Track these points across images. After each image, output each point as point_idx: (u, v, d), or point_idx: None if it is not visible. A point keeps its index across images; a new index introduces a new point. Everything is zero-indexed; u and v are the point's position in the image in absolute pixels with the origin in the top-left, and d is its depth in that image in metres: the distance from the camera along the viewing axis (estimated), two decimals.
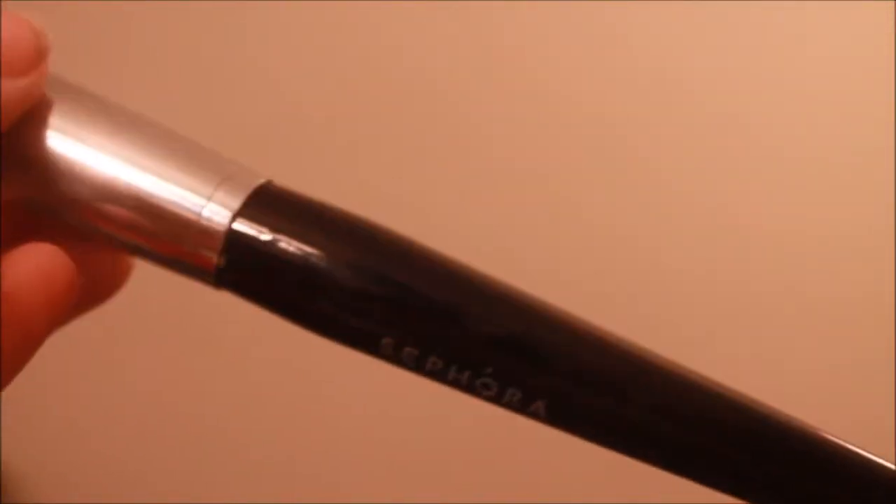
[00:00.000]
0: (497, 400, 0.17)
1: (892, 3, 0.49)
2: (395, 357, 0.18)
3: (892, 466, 0.17)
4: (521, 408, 0.17)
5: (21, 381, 0.17)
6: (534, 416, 0.17)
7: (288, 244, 0.17)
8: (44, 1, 0.53)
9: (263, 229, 0.17)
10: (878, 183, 0.51)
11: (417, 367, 0.18)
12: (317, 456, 0.54)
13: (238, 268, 0.18)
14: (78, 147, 0.18)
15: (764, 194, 0.52)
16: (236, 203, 0.18)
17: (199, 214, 0.17)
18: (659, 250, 0.52)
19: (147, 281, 0.21)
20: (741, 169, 0.52)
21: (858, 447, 0.17)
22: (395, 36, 0.53)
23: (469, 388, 0.18)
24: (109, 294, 0.20)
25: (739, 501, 0.18)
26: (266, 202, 0.18)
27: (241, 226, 0.17)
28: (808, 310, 0.52)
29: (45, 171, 0.18)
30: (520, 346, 0.17)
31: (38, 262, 0.17)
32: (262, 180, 0.18)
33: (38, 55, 0.17)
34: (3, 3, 0.18)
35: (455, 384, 0.18)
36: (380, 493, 0.53)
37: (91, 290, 0.19)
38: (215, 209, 0.17)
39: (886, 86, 0.50)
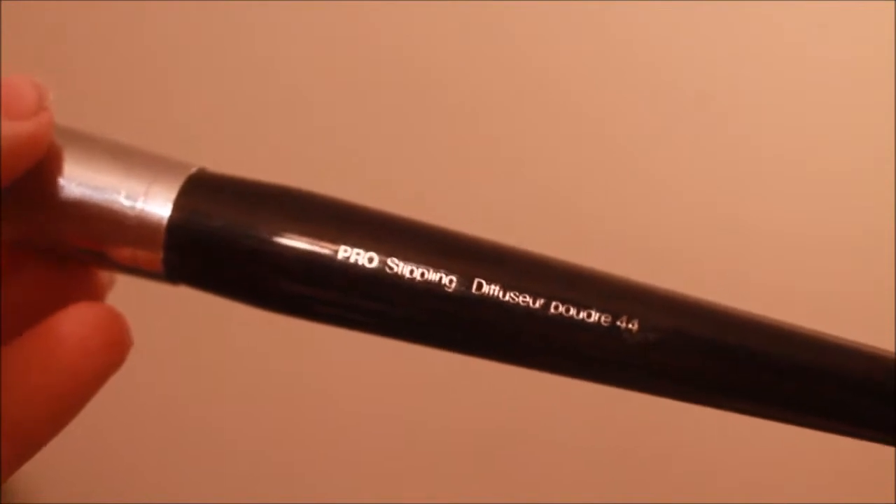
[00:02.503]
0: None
1: (893, 2, 0.49)
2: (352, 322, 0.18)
3: None
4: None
5: None
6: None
7: (228, 226, 0.17)
8: (51, 1, 0.53)
9: (200, 215, 0.17)
10: (878, 182, 0.51)
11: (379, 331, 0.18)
12: (317, 456, 0.54)
13: (185, 259, 0.17)
14: (64, 179, 0.18)
15: (764, 193, 0.52)
16: (171, 194, 0.17)
17: (139, 211, 0.17)
18: (659, 248, 0.52)
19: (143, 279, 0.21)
20: (741, 168, 0.52)
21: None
22: (395, 34, 0.53)
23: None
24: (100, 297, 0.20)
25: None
26: (200, 189, 0.18)
27: (180, 215, 0.17)
28: (807, 308, 0.52)
29: (41, 209, 0.18)
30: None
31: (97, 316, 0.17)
32: (193, 169, 0.18)
33: (38, 104, 0.17)
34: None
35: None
36: (380, 493, 0.54)
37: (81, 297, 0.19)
38: (152, 204, 0.17)
39: (887, 86, 0.50)
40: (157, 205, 0.17)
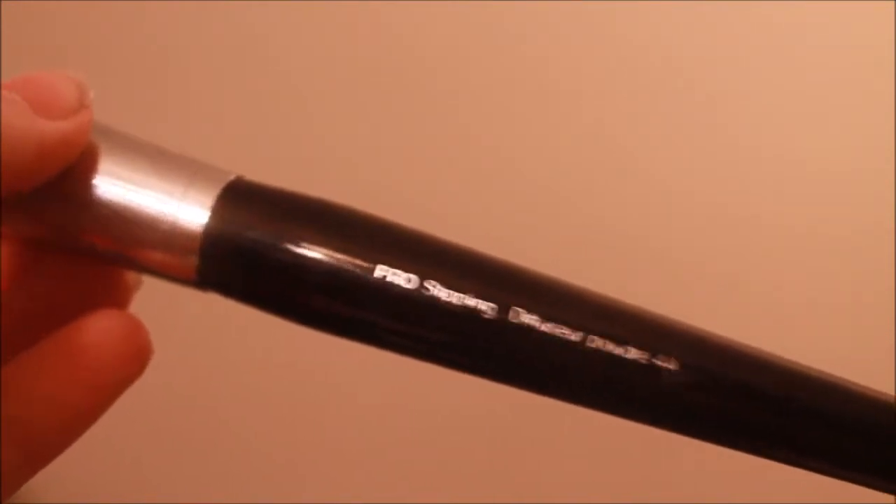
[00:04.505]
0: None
1: (893, 2, 0.49)
2: (390, 343, 0.17)
3: None
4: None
5: None
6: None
7: (265, 238, 0.17)
8: (56, 1, 0.53)
9: (238, 225, 0.17)
10: (878, 182, 0.51)
11: (418, 354, 0.17)
12: (318, 452, 0.54)
13: (218, 268, 0.17)
14: (99, 179, 0.17)
15: (764, 193, 0.52)
16: (209, 201, 0.17)
17: (174, 216, 0.17)
18: (660, 248, 0.52)
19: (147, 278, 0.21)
20: (741, 168, 0.52)
21: None
22: (398, 35, 0.53)
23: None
24: (124, 302, 0.20)
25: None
26: (238, 197, 0.17)
27: (216, 223, 0.17)
28: (808, 306, 0.52)
29: (68, 207, 0.17)
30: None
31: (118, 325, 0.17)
32: (231, 176, 0.18)
33: (78, 103, 0.17)
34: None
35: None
36: (383, 493, 0.53)
37: (105, 300, 0.19)
38: (188, 210, 0.17)
39: (887, 86, 0.50)
40: (194, 211, 0.17)
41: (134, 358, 0.17)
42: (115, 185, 0.17)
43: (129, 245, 0.17)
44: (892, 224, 0.50)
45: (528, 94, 0.53)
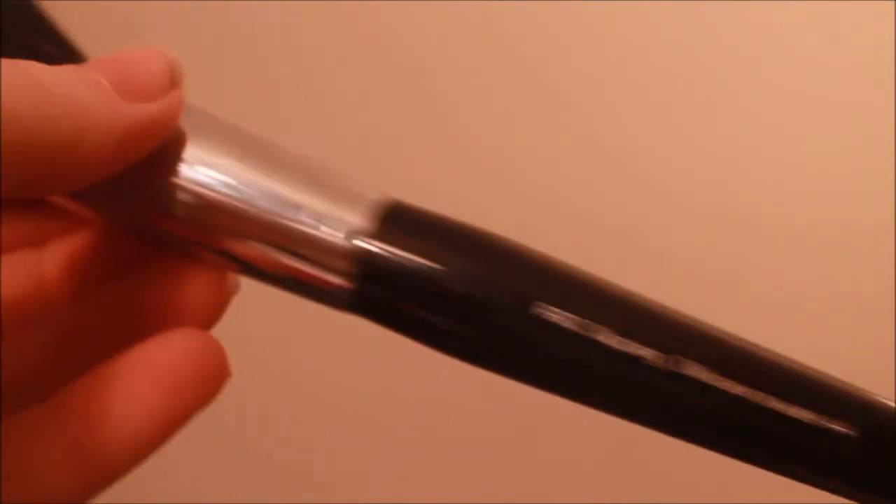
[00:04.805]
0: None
1: (893, 2, 0.49)
2: (546, 385, 0.17)
3: None
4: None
5: None
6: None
7: (425, 265, 0.16)
8: (53, 1, 0.53)
9: (398, 251, 0.16)
10: (877, 181, 0.51)
11: (570, 395, 0.17)
12: (318, 454, 0.54)
13: (373, 291, 0.16)
14: (209, 173, 0.16)
15: (765, 192, 0.52)
16: (366, 223, 0.16)
17: (331, 236, 0.16)
18: (660, 248, 0.52)
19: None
20: (742, 168, 0.52)
21: None
22: (402, 35, 0.53)
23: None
24: (213, 317, 0.18)
25: None
26: (396, 222, 0.17)
27: (376, 247, 0.16)
28: (808, 306, 0.52)
29: (175, 199, 0.16)
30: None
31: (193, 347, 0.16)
32: (390, 199, 0.17)
33: (170, 82, 0.16)
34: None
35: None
36: (383, 493, 0.53)
37: (193, 314, 0.18)
38: (338, 224, 0.16)
39: (887, 85, 0.50)
40: (348, 228, 0.16)
41: (210, 380, 0.16)
42: (271, 201, 0.16)
43: (286, 263, 0.16)
44: (892, 224, 0.50)
45: (528, 94, 0.53)
